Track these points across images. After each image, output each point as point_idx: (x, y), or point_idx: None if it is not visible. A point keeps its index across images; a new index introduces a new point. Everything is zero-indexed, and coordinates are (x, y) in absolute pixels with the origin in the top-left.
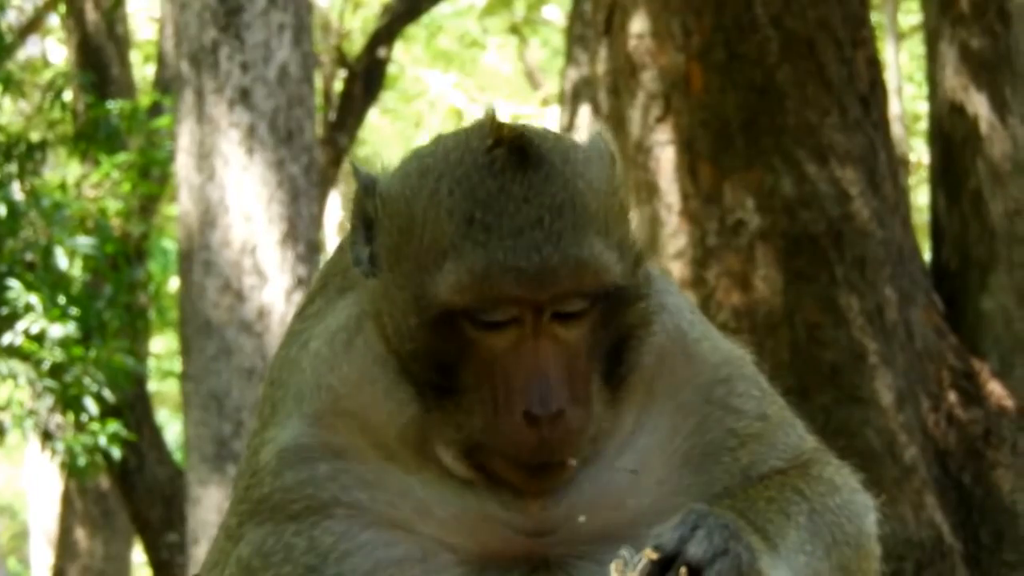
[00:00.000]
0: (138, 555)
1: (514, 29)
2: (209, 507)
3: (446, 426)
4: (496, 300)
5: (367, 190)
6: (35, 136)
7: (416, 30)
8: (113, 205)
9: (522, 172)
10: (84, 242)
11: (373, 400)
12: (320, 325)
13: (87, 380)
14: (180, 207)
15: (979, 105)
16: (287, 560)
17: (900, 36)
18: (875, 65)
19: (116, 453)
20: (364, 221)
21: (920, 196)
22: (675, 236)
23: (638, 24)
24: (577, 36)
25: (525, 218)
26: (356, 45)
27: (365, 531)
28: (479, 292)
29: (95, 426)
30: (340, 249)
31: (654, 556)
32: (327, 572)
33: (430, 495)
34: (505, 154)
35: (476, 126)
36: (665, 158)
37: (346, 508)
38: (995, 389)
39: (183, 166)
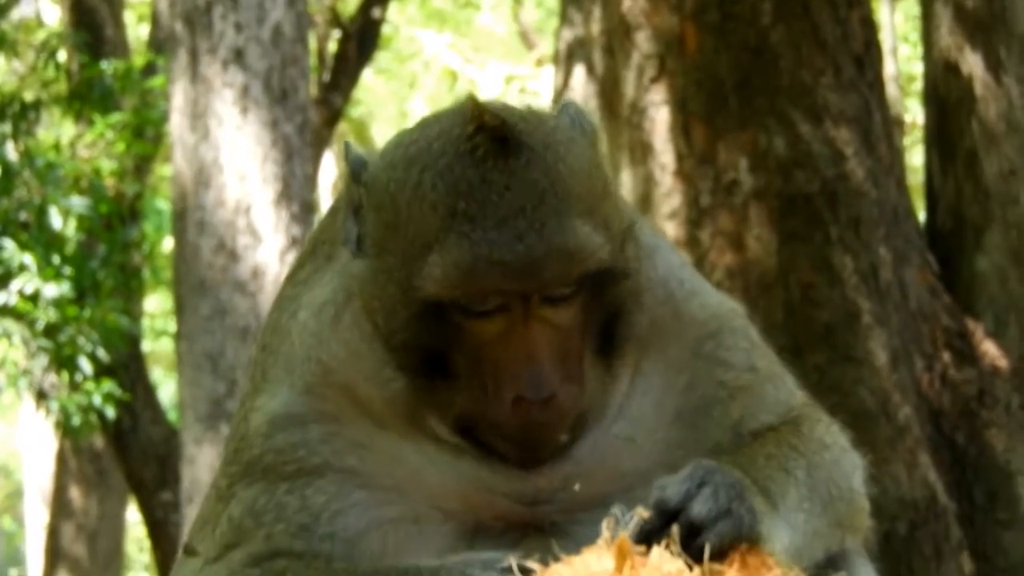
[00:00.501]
0: (133, 514)
1: None
2: (203, 466)
3: (436, 404)
4: (482, 293)
5: (355, 176)
6: (29, 96)
7: None
8: (107, 165)
9: (503, 159)
10: (78, 202)
11: (362, 375)
12: (308, 294)
13: (81, 340)
14: (174, 167)
15: (974, 65)
16: (279, 519)
17: None
18: (870, 25)
19: (110, 412)
20: (353, 202)
21: (915, 156)
22: (669, 196)
23: None
24: None
25: (508, 207)
26: (350, 5)
27: (357, 492)
28: (465, 286)
29: (89, 386)
30: (331, 213)
31: (646, 514)
32: (319, 531)
33: (423, 462)
34: (486, 141)
35: (458, 111)
36: (659, 118)
37: (338, 472)
38: (989, 349)
39: (177, 126)
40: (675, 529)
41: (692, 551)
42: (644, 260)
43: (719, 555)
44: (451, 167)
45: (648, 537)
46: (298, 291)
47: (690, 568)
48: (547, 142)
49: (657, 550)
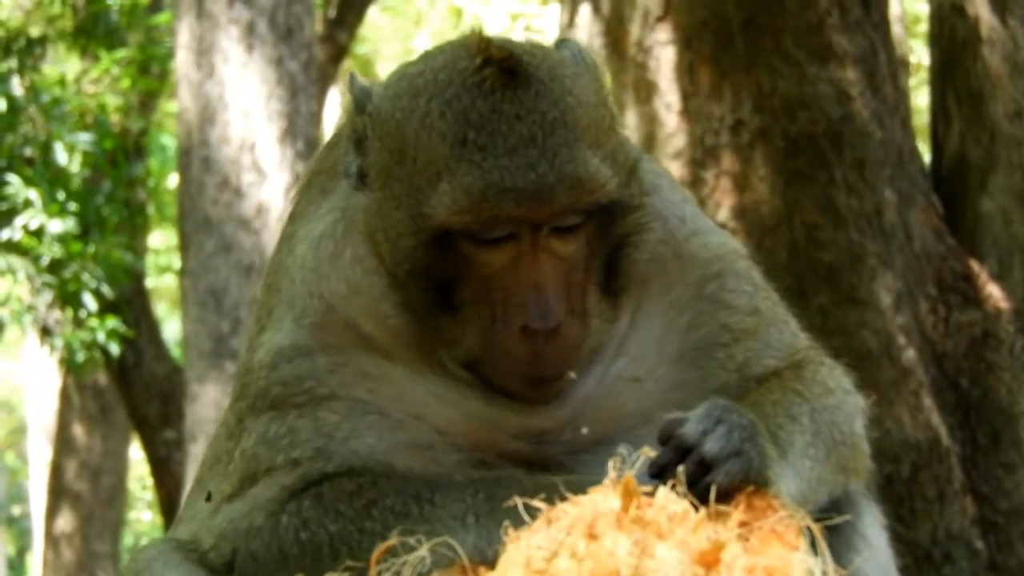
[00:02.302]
0: (136, 451)
1: None
2: (207, 404)
3: (443, 339)
4: (494, 220)
5: (359, 107)
6: (35, 31)
7: None
8: (112, 101)
9: (512, 91)
10: (83, 138)
11: (365, 310)
12: (305, 228)
13: (86, 276)
14: (179, 103)
15: (980, 6)
16: (294, 444)
17: None
18: None
19: (114, 349)
20: (355, 135)
21: (920, 98)
22: (674, 136)
23: None
24: None
25: (518, 136)
26: None
27: (370, 416)
28: (477, 212)
29: (93, 322)
30: (328, 146)
31: (652, 454)
32: (338, 451)
33: (430, 396)
34: (495, 74)
35: (463, 44)
36: (665, 58)
37: (347, 400)
38: (993, 291)
39: (182, 62)
40: (681, 469)
41: (699, 489)
42: (645, 198)
43: (725, 497)
44: (459, 97)
45: (662, 471)
46: (296, 227)
47: (696, 509)
48: (554, 74)
49: (663, 490)
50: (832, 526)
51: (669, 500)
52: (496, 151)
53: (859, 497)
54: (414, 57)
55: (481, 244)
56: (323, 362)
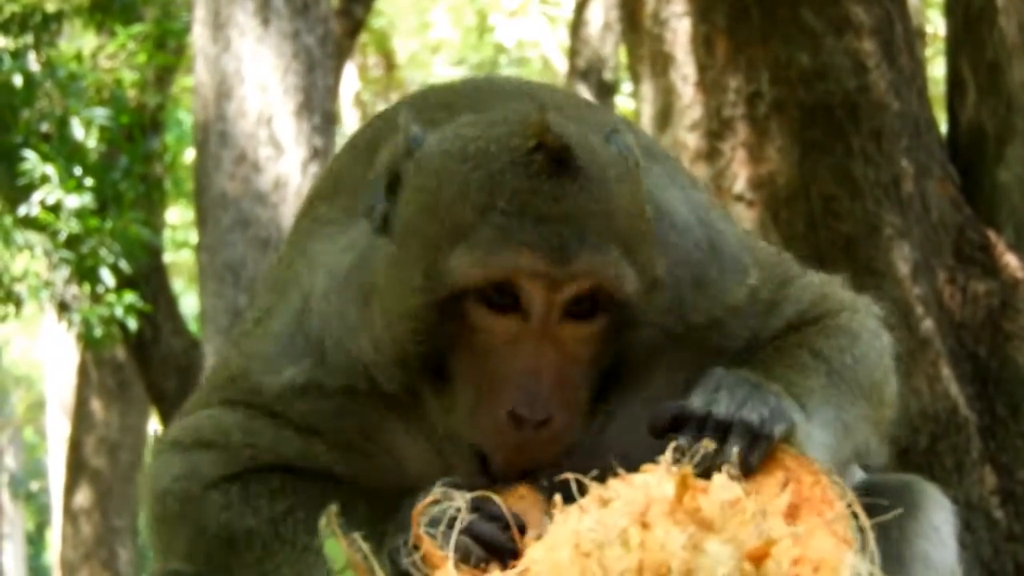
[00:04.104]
0: (154, 426)
1: None
2: None
3: (433, 406)
4: (504, 273)
5: (407, 151)
6: (51, 7)
7: None
8: (129, 76)
9: (557, 178)
10: (100, 113)
11: (381, 367)
12: (326, 245)
13: (103, 251)
14: (196, 78)
15: None
16: (271, 450)
17: None
18: None
19: (132, 324)
20: (391, 176)
21: (936, 68)
22: (691, 108)
23: None
24: None
25: (552, 211)
26: None
27: (352, 453)
28: (491, 265)
29: (111, 297)
30: (351, 154)
31: (711, 446)
32: (298, 464)
33: (416, 452)
34: (544, 159)
35: (524, 121)
36: (681, 29)
37: (338, 437)
38: (1011, 261)
39: (199, 37)
40: (735, 452)
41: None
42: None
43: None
44: (503, 172)
45: (710, 467)
46: (314, 229)
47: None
48: (603, 176)
49: (718, 478)
50: (905, 515)
51: (724, 487)
52: (524, 218)
53: (934, 491)
54: (431, 37)
55: (490, 309)
56: (331, 405)
